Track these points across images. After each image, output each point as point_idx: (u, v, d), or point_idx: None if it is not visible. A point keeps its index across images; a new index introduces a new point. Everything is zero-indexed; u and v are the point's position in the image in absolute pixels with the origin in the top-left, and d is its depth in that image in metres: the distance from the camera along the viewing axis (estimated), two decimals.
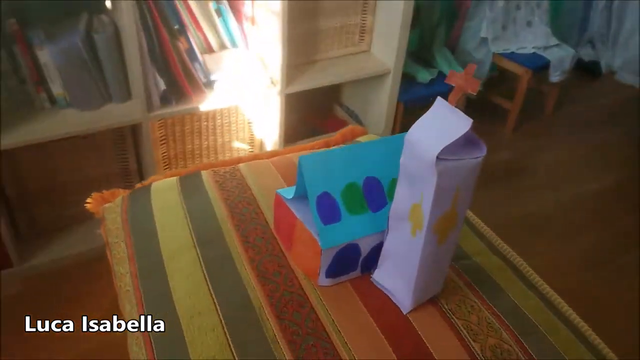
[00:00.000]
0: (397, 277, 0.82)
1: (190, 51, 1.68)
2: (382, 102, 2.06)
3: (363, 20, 1.98)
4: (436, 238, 0.76)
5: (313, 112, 2.28)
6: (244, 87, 1.76)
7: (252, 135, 1.98)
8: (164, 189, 1.05)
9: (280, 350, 0.74)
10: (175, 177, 1.10)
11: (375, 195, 0.85)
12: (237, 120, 1.92)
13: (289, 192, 0.87)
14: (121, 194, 1.13)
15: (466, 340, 0.79)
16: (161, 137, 1.81)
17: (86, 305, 1.60)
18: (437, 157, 0.70)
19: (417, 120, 0.76)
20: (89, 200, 1.15)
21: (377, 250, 0.84)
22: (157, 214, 0.98)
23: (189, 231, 0.92)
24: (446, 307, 0.84)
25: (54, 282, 1.70)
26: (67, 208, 1.79)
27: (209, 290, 0.82)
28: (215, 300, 0.81)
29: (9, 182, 1.65)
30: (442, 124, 0.72)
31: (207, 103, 1.72)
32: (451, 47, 2.46)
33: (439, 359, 0.76)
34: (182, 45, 1.66)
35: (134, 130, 1.74)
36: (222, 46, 1.81)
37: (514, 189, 2.33)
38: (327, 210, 0.81)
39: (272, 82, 1.78)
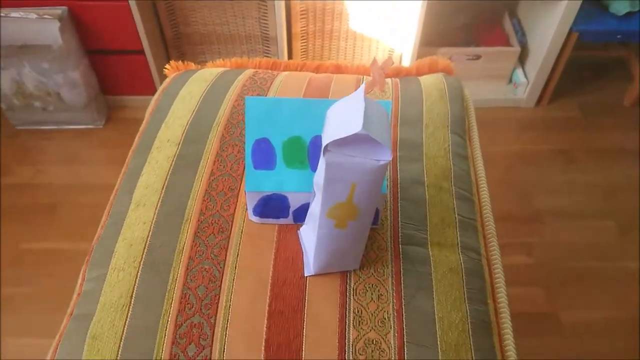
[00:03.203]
0: (311, 240, 0.82)
1: None
2: (549, 27, 1.75)
3: None
4: (332, 223, 0.74)
5: (482, 17, 2.04)
6: None
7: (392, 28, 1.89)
8: (200, 79, 1.13)
9: (178, 263, 0.83)
10: (221, 69, 1.16)
11: (320, 155, 0.82)
12: (378, 11, 1.84)
13: None
14: (190, 69, 1.25)
15: (346, 322, 0.78)
16: (301, 11, 1.84)
17: None
18: (326, 148, 0.65)
19: (343, 98, 0.69)
20: (167, 66, 1.29)
21: (307, 207, 0.84)
22: (176, 102, 1.07)
23: (184, 127, 1.01)
24: (352, 285, 0.82)
25: None
26: (211, 54, 2.01)
27: (162, 187, 0.92)
28: (160, 198, 0.91)
29: (166, 24, 1.89)
30: (349, 114, 0.65)
31: None
32: None
33: (306, 326, 0.77)
34: None
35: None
36: None
37: None
38: (262, 156, 0.82)
39: None
